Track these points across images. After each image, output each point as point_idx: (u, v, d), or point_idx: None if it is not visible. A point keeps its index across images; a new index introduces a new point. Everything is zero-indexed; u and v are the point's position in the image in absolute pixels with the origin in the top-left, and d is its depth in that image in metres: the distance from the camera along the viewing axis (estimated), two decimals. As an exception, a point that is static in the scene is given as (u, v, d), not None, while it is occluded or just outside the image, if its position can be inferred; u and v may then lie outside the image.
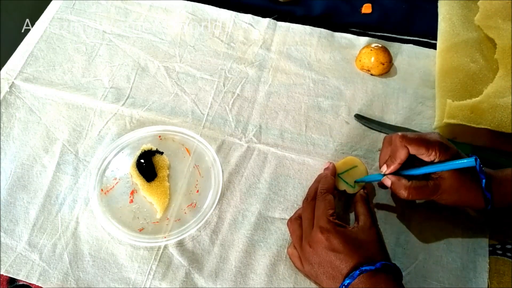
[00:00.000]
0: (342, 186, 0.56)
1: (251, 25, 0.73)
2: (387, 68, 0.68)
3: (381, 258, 0.47)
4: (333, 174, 0.56)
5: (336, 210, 0.51)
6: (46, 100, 0.65)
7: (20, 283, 0.52)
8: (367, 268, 0.45)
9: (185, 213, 0.56)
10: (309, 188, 0.56)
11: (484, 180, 0.49)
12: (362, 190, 0.55)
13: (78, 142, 0.61)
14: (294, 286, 0.52)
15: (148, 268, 0.53)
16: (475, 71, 0.64)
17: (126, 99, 0.65)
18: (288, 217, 0.55)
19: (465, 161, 0.48)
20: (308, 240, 0.49)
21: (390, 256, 0.49)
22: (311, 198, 0.53)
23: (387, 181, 0.52)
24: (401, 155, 0.50)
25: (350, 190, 0.56)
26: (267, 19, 0.74)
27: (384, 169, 0.52)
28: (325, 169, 0.57)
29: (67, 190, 0.57)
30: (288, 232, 0.54)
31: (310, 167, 0.60)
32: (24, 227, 0.55)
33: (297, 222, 0.52)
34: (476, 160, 0.47)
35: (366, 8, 0.77)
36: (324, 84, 0.68)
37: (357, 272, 0.45)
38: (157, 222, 0.55)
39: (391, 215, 0.57)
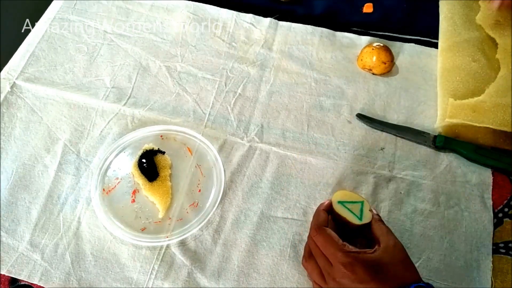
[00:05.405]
0: (346, 214, 0.51)
1: (253, 24, 0.73)
2: (389, 67, 0.68)
3: (412, 277, 0.45)
4: (327, 209, 0.52)
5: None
6: (47, 100, 0.65)
7: (22, 283, 0.52)
8: None
9: (187, 212, 0.56)
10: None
11: None
12: (373, 211, 0.51)
13: (80, 142, 0.61)
14: (297, 285, 0.52)
15: (150, 267, 0.52)
16: (476, 70, 0.64)
17: (128, 99, 0.65)
18: (290, 217, 0.55)
19: None
20: (332, 277, 0.46)
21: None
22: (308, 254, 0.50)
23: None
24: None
25: (355, 221, 0.50)
26: (269, 19, 0.74)
27: None
28: (320, 204, 0.53)
29: (69, 190, 0.57)
30: (291, 231, 0.54)
31: (312, 167, 0.60)
32: (26, 227, 0.55)
33: (312, 259, 0.49)
34: None
35: (368, 8, 0.77)
36: (326, 84, 0.68)
37: None
38: (159, 221, 0.55)
39: (393, 215, 0.56)
